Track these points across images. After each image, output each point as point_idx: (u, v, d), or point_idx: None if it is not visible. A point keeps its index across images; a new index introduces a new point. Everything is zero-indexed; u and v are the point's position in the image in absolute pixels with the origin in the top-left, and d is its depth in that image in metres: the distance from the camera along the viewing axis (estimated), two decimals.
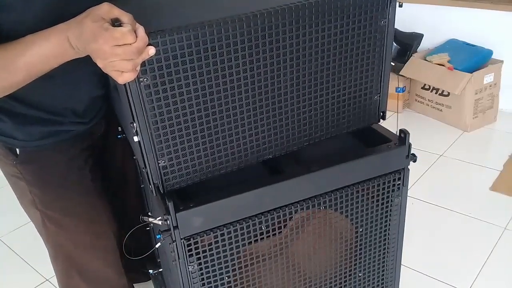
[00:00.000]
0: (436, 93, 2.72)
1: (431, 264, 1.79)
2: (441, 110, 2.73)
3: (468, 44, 2.74)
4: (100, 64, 0.74)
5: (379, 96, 1.05)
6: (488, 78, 2.59)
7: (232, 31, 0.81)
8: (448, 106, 2.69)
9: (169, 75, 0.80)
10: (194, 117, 0.85)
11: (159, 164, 0.87)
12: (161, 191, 0.90)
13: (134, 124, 0.83)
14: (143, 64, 0.76)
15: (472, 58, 2.63)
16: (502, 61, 2.64)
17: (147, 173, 0.89)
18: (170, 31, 0.77)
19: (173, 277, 1.06)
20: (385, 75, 1.02)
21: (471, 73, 2.54)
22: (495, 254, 1.81)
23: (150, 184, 0.90)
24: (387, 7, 0.94)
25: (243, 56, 0.84)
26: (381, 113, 1.08)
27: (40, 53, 0.81)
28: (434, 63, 2.68)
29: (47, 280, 1.89)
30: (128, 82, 0.77)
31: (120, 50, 0.71)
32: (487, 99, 2.64)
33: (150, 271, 1.49)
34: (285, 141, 0.97)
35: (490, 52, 2.65)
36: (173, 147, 0.87)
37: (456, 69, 2.59)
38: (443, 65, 2.64)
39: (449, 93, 2.64)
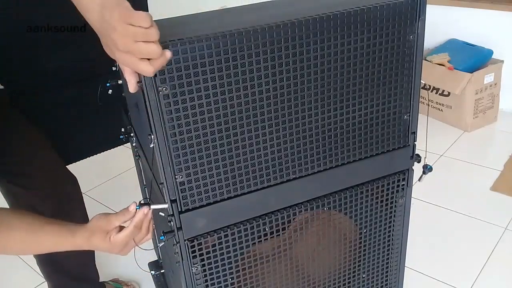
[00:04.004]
0: (436, 93, 2.71)
1: (431, 264, 1.78)
2: (441, 110, 2.72)
3: (468, 44, 2.74)
4: None
5: (409, 116, 1.01)
6: (489, 78, 2.59)
7: (254, 41, 0.79)
8: (448, 106, 2.69)
9: (189, 85, 0.78)
10: (214, 130, 0.83)
11: (177, 180, 0.84)
12: (178, 209, 0.87)
13: (152, 136, 0.81)
14: (162, 72, 0.75)
15: (472, 58, 2.62)
16: (502, 61, 2.63)
17: (164, 189, 0.86)
18: (191, 40, 0.75)
19: (176, 279, 1.05)
20: (415, 93, 0.99)
21: (471, 73, 2.53)
22: (496, 255, 1.80)
23: (167, 201, 0.87)
24: (415, 21, 0.91)
25: (265, 68, 0.82)
26: (412, 134, 1.04)
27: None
28: (434, 63, 2.68)
29: None
30: (147, 92, 0.77)
31: None
32: (488, 99, 2.64)
33: (152, 272, 1.49)
34: (309, 161, 0.94)
35: (490, 52, 2.65)
36: (192, 161, 0.84)
37: (456, 69, 2.58)
38: (443, 65, 2.64)
39: (449, 93, 2.64)
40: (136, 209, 0.89)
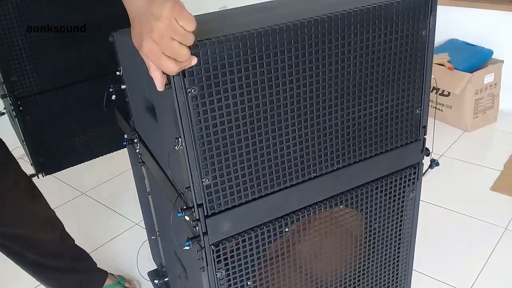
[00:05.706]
0: (436, 93, 2.72)
1: (431, 264, 1.79)
2: (441, 110, 2.73)
3: (468, 44, 2.75)
4: None
5: (421, 110, 1.02)
6: (488, 78, 2.60)
7: (280, 40, 0.79)
8: (448, 106, 2.70)
9: (217, 85, 0.77)
10: (240, 131, 0.82)
11: (203, 183, 0.83)
12: (204, 213, 0.86)
13: (180, 139, 0.79)
14: (191, 73, 0.74)
15: (472, 58, 2.63)
16: (502, 61, 2.64)
17: (191, 193, 0.85)
18: (219, 39, 0.74)
19: (194, 285, 1.03)
20: (426, 88, 1.00)
21: (471, 73, 2.54)
22: (496, 255, 1.81)
23: (194, 206, 0.85)
24: (428, 17, 0.93)
25: (289, 66, 0.82)
26: (423, 128, 1.05)
27: None
28: (434, 63, 2.68)
29: None
30: (176, 94, 0.75)
31: None
32: (488, 99, 2.65)
33: (156, 281, 1.46)
34: (329, 158, 0.95)
35: (490, 52, 2.66)
36: (218, 164, 0.83)
37: (456, 69, 2.59)
38: (443, 65, 2.64)
39: (449, 93, 2.65)
40: None
